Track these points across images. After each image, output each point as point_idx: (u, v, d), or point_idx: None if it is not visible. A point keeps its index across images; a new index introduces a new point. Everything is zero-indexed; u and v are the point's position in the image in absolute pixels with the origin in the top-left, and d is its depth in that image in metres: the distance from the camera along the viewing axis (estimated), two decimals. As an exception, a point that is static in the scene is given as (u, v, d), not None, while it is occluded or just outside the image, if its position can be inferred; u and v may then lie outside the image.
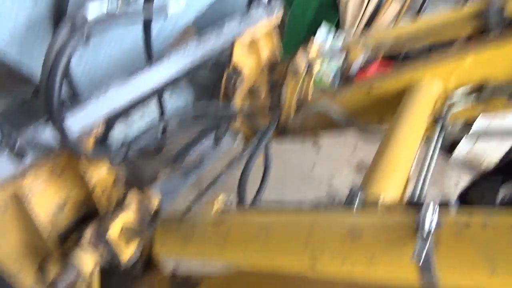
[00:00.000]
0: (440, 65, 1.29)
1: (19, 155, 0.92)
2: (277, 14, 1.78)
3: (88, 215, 1.21)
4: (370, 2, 3.61)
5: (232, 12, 1.82)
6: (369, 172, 1.00)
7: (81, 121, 1.04)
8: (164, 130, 1.65)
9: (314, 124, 1.83)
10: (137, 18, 0.94)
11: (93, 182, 1.13)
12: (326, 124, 1.79)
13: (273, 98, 1.98)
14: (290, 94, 1.75)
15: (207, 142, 1.93)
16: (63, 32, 0.82)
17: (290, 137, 1.95)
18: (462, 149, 3.50)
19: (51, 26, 0.95)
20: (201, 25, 1.92)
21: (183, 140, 1.71)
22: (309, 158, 3.22)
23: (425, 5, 3.72)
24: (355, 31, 3.71)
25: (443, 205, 0.51)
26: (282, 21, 1.86)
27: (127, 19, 0.91)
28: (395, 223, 0.51)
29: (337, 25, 3.91)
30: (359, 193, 0.73)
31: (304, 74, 1.67)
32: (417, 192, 0.92)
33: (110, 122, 1.16)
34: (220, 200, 0.88)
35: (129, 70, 1.59)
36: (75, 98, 1.13)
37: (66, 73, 0.84)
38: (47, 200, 1.08)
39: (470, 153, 3.60)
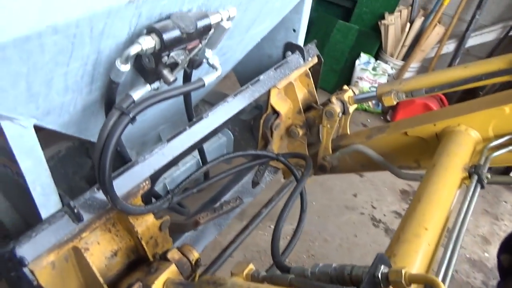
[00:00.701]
0: (477, 114, 1.28)
1: (77, 217, 1.05)
2: (312, 58, 1.83)
3: (138, 259, 1.33)
4: (412, 27, 3.54)
5: (268, 56, 1.90)
6: (399, 233, 1.01)
7: (129, 183, 1.15)
8: (206, 174, 1.74)
9: (352, 163, 1.85)
10: (177, 94, 1.04)
11: (140, 232, 1.24)
12: (364, 164, 1.81)
13: (311, 136, 2.02)
14: (326, 135, 1.79)
15: (245, 179, 2.00)
16: (113, 115, 0.93)
17: (328, 174, 1.98)
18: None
19: (103, 106, 1.07)
20: (239, 70, 2.01)
21: (223, 180, 1.78)
22: (352, 186, 3.21)
23: (469, 30, 3.55)
24: (397, 55, 3.62)
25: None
26: (319, 61, 1.90)
27: (169, 95, 1.01)
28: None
29: (379, 49, 3.85)
30: (382, 267, 0.76)
31: (339, 116, 1.71)
32: (447, 258, 0.92)
33: (154, 178, 1.27)
34: (249, 268, 0.94)
35: (171, 118, 1.72)
36: (123, 160, 1.24)
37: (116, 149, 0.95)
38: (101, 250, 1.21)
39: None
